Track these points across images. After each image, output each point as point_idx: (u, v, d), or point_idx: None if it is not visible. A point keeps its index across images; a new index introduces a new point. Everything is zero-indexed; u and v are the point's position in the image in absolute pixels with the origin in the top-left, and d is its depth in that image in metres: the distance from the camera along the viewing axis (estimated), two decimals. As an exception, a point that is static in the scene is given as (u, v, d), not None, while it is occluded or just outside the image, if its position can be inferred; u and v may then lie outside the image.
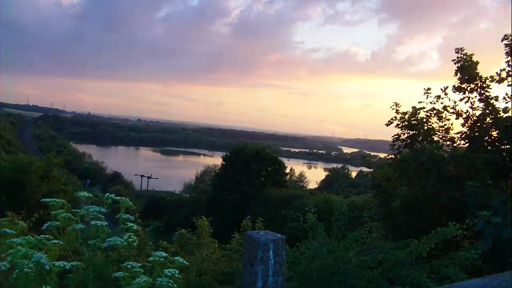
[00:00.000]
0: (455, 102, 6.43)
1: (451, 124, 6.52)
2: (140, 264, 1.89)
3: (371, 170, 7.38)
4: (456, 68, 6.39)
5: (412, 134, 6.52)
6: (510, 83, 5.97)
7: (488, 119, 6.07)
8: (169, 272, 1.85)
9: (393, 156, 6.82)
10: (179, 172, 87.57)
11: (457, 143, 6.43)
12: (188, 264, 2.32)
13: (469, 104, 6.30)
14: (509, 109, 5.91)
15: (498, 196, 5.15)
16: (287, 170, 45.15)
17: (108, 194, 2.12)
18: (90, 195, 2.15)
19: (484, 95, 6.12)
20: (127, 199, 2.11)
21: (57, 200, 2.07)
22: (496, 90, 6.10)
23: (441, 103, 6.52)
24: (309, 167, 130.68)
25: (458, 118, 6.40)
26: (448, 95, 6.49)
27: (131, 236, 2.00)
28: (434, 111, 6.51)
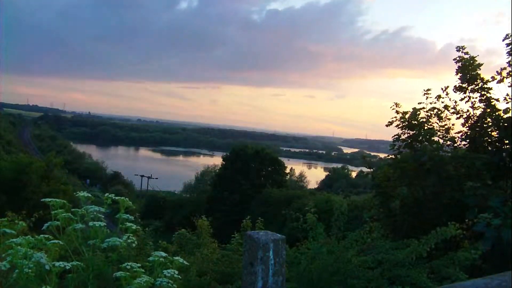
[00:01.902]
0: (455, 102, 6.43)
1: (452, 124, 6.51)
2: (140, 265, 1.89)
3: (371, 170, 7.37)
4: (457, 68, 6.38)
5: (412, 134, 6.51)
6: (510, 83, 5.96)
7: (488, 119, 6.06)
8: (168, 272, 1.85)
9: (393, 156, 6.81)
10: (179, 172, 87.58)
11: (458, 143, 6.42)
12: (188, 264, 2.32)
13: (469, 104, 6.29)
14: (510, 109, 5.90)
15: (498, 196, 5.15)
16: (287, 170, 45.19)
17: (108, 194, 2.12)
18: (90, 195, 2.15)
19: (485, 96, 6.11)
20: (126, 199, 2.11)
21: (57, 200, 2.07)
22: (497, 90, 6.09)
23: (442, 102, 6.51)
24: (309, 167, 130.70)
25: (459, 118, 6.40)
26: (449, 94, 6.49)
27: (130, 236, 2.00)
28: (435, 111, 6.50)
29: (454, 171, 5.98)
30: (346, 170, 78.36)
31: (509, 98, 5.94)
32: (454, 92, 6.42)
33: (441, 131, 6.47)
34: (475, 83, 6.19)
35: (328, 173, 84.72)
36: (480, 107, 6.16)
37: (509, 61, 5.95)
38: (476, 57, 6.29)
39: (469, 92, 6.28)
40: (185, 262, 2.04)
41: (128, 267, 1.85)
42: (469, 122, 6.26)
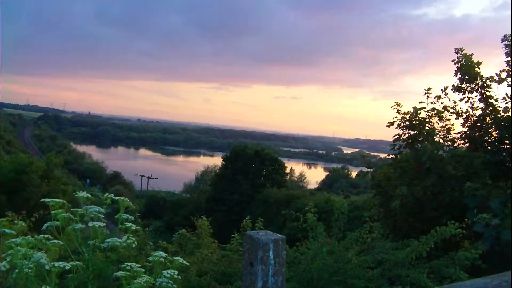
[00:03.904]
0: (455, 102, 6.44)
1: (452, 125, 6.52)
2: (140, 265, 1.89)
3: (371, 170, 7.37)
4: (456, 68, 6.40)
5: (413, 134, 6.52)
6: (510, 83, 5.97)
7: (488, 119, 6.07)
8: (168, 273, 1.85)
9: (393, 156, 6.82)
10: (179, 172, 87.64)
11: (457, 143, 6.43)
12: (187, 264, 2.32)
13: (469, 104, 6.30)
14: (509, 109, 5.91)
15: (497, 196, 5.15)
16: (287, 170, 45.18)
17: (108, 194, 2.12)
18: (89, 195, 2.14)
19: (484, 95, 6.12)
20: (126, 199, 2.10)
21: (57, 200, 2.06)
22: (497, 90, 6.10)
23: (442, 103, 6.52)
24: (309, 167, 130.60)
25: (458, 118, 6.41)
26: (448, 95, 6.49)
27: (130, 237, 2.00)
28: (435, 111, 6.51)
29: (454, 170, 5.99)
30: (346, 170, 78.36)
31: (509, 98, 5.94)
32: (453, 92, 6.44)
33: (441, 131, 6.48)
34: (475, 82, 6.20)
35: (328, 173, 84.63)
36: (480, 107, 6.17)
37: (508, 61, 5.96)
38: (472, 55, 6.31)
39: (468, 93, 6.29)
40: (185, 262, 2.03)
41: (128, 267, 1.85)
42: (469, 122, 6.27)
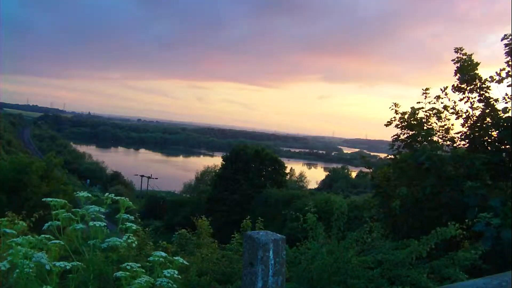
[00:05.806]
0: (454, 102, 6.44)
1: (451, 125, 6.52)
2: (140, 265, 1.89)
3: (371, 170, 7.37)
4: (456, 68, 6.40)
5: (412, 134, 6.52)
6: (509, 83, 5.97)
7: (488, 119, 6.07)
8: (168, 272, 1.85)
9: (392, 156, 6.82)
10: (179, 172, 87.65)
11: (457, 143, 6.43)
12: (187, 264, 2.33)
13: (468, 104, 6.30)
14: (509, 109, 5.91)
15: (498, 196, 5.15)
16: (287, 170, 45.18)
17: (108, 194, 2.12)
18: (90, 195, 2.15)
19: (483, 96, 6.12)
20: (126, 199, 2.11)
21: (58, 200, 2.07)
22: (496, 90, 6.10)
23: (441, 103, 6.52)
24: (309, 167, 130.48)
25: (458, 118, 6.41)
26: (448, 95, 6.50)
27: (130, 237, 2.00)
28: (434, 111, 6.51)
29: (453, 171, 5.98)
30: (346, 170, 78.36)
31: (508, 98, 5.94)
32: (453, 92, 6.44)
33: (440, 131, 6.48)
34: (474, 83, 6.20)
35: (328, 173, 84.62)
36: (479, 107, 6.17)
37: (508, 61, 5.96)
38: (472, 55, 6.32)
39: (468, 93, 6.29)
40: (185, 262, 2.04)
41: (128, 267, 1.85)
42: (469, 122, 6.27)
